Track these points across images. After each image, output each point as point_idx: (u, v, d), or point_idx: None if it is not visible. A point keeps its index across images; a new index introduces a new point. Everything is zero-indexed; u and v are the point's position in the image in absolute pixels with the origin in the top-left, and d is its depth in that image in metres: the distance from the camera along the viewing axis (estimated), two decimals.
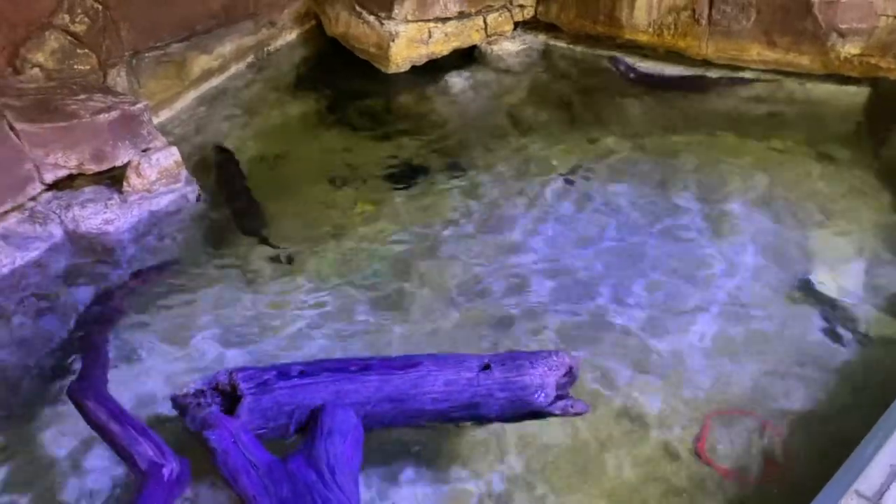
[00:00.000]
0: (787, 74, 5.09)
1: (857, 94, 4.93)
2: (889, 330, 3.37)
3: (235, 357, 3.26)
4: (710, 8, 5.06)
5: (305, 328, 3.44)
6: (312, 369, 2.60)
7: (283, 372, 2.57)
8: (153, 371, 3.21)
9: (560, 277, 3.73)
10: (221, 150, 4.75)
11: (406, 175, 4.56)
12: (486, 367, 2.57)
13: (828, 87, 5.00)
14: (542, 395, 2.54)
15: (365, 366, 2.59)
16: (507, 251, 3.91)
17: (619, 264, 3.79)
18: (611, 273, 3.73)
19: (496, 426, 2.83)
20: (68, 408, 2.81)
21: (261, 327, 3.45)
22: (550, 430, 2.88)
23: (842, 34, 4.78)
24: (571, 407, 2.59)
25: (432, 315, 3.50)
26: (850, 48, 4.81)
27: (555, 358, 2.60)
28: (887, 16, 4.66)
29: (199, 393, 2.54)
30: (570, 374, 2.63)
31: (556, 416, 2.60)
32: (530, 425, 2.81)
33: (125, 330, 3.39)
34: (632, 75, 5.34)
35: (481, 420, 2.66)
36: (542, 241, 3.99)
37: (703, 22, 5.11)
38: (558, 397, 2.57)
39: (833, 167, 4.45)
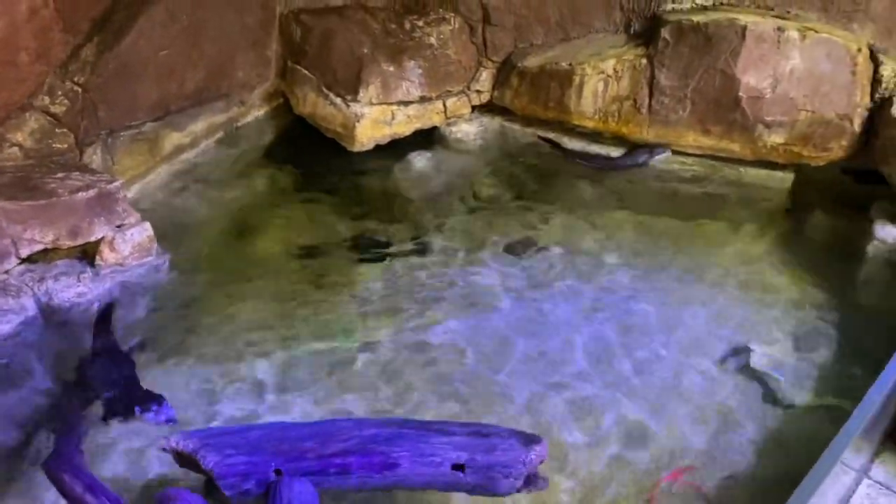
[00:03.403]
0: (723, 160, 5.56)
1: (784, 179, 5.41)
2: (815, 397, 3.69)
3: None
4: (650, 98, 5.52)
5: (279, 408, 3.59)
6: (291, 471, 2.70)
7: (262, 481, 2.70)
8: (119, 444, 3.31)
9: (507, 346, 4.00)
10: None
11: (369, 249, 4.82)
12: (461, 468, 2.71)
13: (758, 172, 5.47)
14: (513, 491, 2.77)
15: (343, 468, 2.70)
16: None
17: (555, 333, 4.09)
18: (550, 342, 4.02)
19: None
20: (41, 481, 2.90)
21: (225, 399, 3.60)
22: None
23: (767, 125, 5.26)
24: (535, 488, 2.80)
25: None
26: (776, 138, 5.29)
27: (531, 458, 2.71)
28: (807, 111, 5.16)
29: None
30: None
31: None
32: None
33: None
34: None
35: None
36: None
37: (644, 111, 5.57)
38: (526, 481, 2.76)
39: (762, 245, 4.86)
